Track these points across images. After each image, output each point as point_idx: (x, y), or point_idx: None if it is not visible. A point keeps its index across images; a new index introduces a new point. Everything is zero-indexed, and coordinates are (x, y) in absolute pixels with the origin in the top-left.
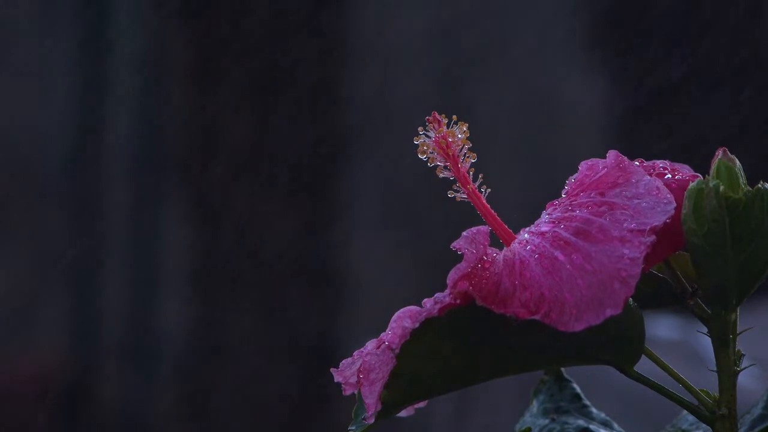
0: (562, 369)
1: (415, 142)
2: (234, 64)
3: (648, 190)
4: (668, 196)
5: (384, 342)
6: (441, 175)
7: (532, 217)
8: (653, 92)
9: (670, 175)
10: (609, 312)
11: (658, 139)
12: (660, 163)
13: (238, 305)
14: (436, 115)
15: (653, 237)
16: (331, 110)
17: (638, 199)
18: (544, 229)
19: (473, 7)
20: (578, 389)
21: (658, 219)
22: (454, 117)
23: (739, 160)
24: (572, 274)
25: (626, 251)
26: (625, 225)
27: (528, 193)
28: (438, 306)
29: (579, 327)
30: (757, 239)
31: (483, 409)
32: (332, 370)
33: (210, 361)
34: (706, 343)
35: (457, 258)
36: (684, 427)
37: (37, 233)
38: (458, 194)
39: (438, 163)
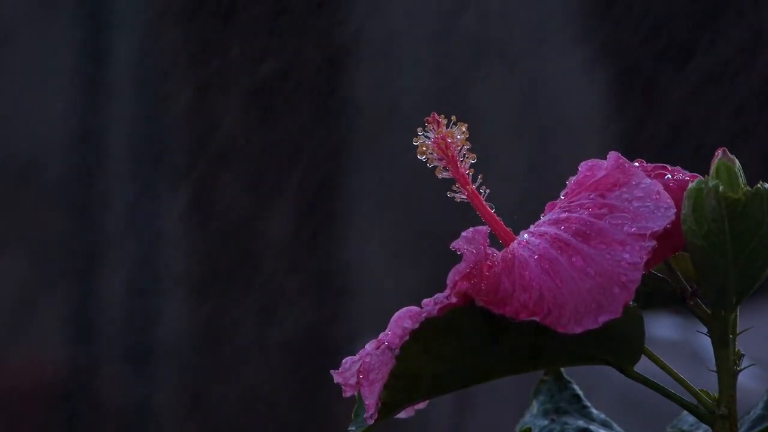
0: (562, 369)
1: (414, 143)
2: (233, 64)
3: (648, 194)
4: (668, 200)
5: (383, 342)
6: (440, 176)
7: (531, 218)
8: (653, 92)
9: (669, 176)
10: (608, 316)
11: (658, 139)
12: (659, 164)
13: (238, 305)
14: (435, 115)
15: (654, 242)
16: (331, 110)
17: (638, 202)
18: (543, 230)
19: (473, 7)
20: (578, 390)
21: (659, 224)
22: (454, 117)
23: (739, 159)
24: (573, 277)
25: (626, 255)
26: (625, 228)
27: (528, 193)
28: (438, 306)
29: (578, 330)
30: (756, 239)
31: (483, 409)
32: (332, 371)
33: (210, 361)
34: (706, 343)
35: (457, 258)
36: (684, 428)
37: (37, 233)
38: (458, 195)
39: (437, 164)
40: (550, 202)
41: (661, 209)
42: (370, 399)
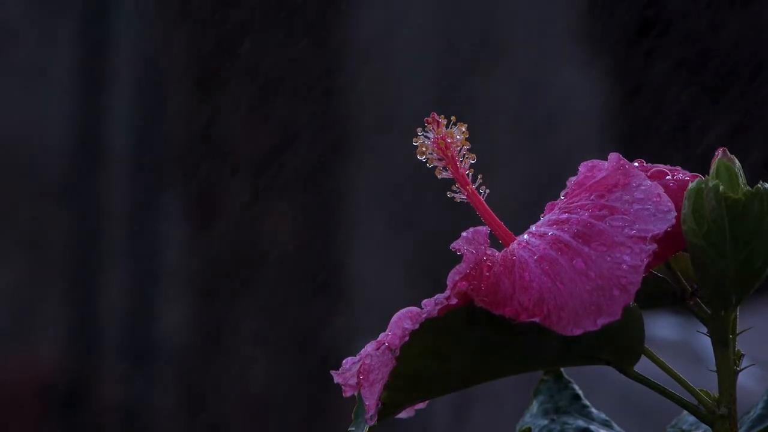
0: (562, 369)
1: (414, 144)
2: (234, 64)
3: (648, 196)
4: (669, 204)
5: (384, 343)
6: (440, 176)
7: (531, 218)
8: (653, 92)
9: (669, 176)
10: (607, 319)
11: (657, 139)
12: (659, 164)
13: (238, 305)
14: (435, 115)
15: (654, 245)
16: (331, 110)
17: (639, 204)
18: (543, 230)
19: (473, 7)
20: (578, 389)
21: (660, 227)
22: (453, 118)
23: (738, 160)
24: (573, 279)
25: (627, 258)
26: (625, 231)
27: (527, 193)
28: (438, 307)
29: (577, 332)
30: (756, 239)
31: (483, 409)
32: (332, 371)
33: (210, 361)
34: (706, 343)
35: (457, 259)
36: (684, 427)
37: (37, 233)
38: (457, 195)
39: (437, 164)
40: (549, 203)
41: (661, 212)
42: (371, 399)
